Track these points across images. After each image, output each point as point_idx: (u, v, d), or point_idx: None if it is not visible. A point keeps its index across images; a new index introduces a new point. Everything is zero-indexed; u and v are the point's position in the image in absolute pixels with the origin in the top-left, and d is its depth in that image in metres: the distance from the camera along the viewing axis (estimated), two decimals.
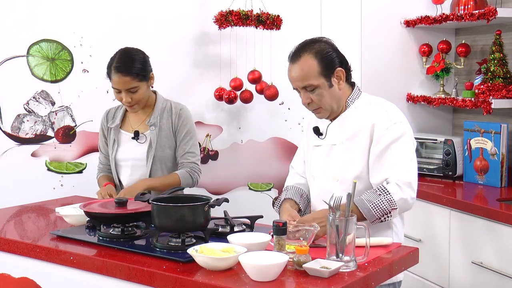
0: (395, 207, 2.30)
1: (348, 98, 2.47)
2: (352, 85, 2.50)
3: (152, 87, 3.09)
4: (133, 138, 3.07)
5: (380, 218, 2.30)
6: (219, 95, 3.82)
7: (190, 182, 3.08)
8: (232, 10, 3.64)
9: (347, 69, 2.46)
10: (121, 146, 3.10)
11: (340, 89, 2.43)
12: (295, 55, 2.41)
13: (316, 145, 2.55)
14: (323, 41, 2.44)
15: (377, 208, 2.28)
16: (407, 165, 2.36)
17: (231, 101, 3.79)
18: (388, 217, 2.31)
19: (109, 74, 2.98)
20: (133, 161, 3.07)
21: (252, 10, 3.68)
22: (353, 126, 2.43)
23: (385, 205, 2.29)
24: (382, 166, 2.35)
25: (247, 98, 3.85)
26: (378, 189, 2.32)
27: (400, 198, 2.30)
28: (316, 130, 2.53)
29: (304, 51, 2.39)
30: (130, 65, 2.93)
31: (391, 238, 2.35)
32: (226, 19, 3.62)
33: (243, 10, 3.65)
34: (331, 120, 2.50)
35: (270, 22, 3.68)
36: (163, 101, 3.12)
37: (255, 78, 3.81)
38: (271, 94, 3.81)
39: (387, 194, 2.29)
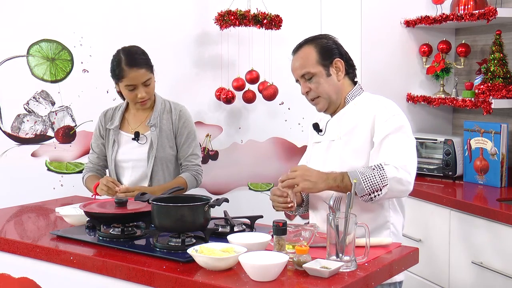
0: (386, 183, 2.25)
1: (348, 94, 2.48)
2: (355, 83, 2.53)
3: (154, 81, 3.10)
4: (133, 139, 3.06)
5: (369, 194, 2.26)
6: (220, 95, 3.82)
7: (195, 185, 3.10)
8: (230, 10, 3.64)
9: (349, 64, 2.49)
10: (121, 147, 3.10)
11: (339, 80, 2.46)
12: (297, 47, 2.51)
13: (316, 142, 2.58)
14: (325, 37, 2.51)
15: (367, 181, 2.24)
16: (405, 152, 2.34)
17: (228, 101, 3.78)
18: (378, 194, 2.26)
19: (120, 74, 2.94)
20: (134, 162, 3.07)
21: (249, 10, 3.68)
22: (351, 121, 2.44)
23: (376, 179, 2.24)
24: (380, 153, 2.34)
25: (249, 98, 3.84)
26: (374, 165, 2.30)
27: (393, 177, 2.26)
28: (316, 127, 2.55)
29: (305, 43, 2.49)
30: (141, 58, 2.97)
31: (391, 238, 2.35)
32: (224, 19, 3.62)
33: (240, 10, 3.65)
34: (331, 116, 2.52)
35: (267, 22, 3.68)
36: (162, 101, 3.12)
37: (253, 78, 3.81)
38: (269, 94, 3.81)
39: (380, 170, 2.26)
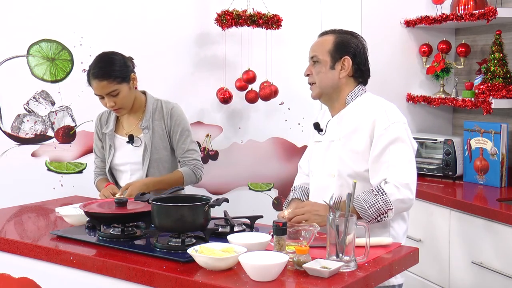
0: (391, 207, 2.31)
1: (348, 95, 2.48)
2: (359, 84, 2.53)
3: (136, 88, 3.06)
4: (128, 142, 3.06)
5: (376, 218, 2.32)
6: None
7: (194, 179, 3.07)
8: (227, 10, 3.64)
9: (359, 69, 2.49)
10: (117, 151, 3.09)
11: (340, 77, 2.47)
12: (323, 32, 2.56)
13: (317, 141, 2.59)
14: (352, 35, 2.53)
15: (372, 208, 2.30)
16: (405, 166, 2.36)
17: (226, 101, 3.78)
18: (384, 217, 2.32)
19: (88, 82, 2.96)
20: (131, 165, 3.06)
21: (245, 10, 3.67)
22: (351, 123, 2.45)
23: (380, 205, 2.30)
24: (380, 167, 2.36)
25: (252, 98, 3.84)
26: (375, 189, 2.33)
27: (396, 199, 2.31)
28: (317, 126, 2.56)
29: (331, 32, 2.53)
30: (106, 69, 2.90)
31: (391, 238, 2.35)
32: (222, 19, 3.62)
33: (237, 10, 3.64)
34: (332, 116, 2.53)
35: (263, 21, 3.67)
36: (153, 102, 3.09)
37: (249, 78, 3.80)
38: (266, 94, 3.80)
39: (383, 194, 2.30)
